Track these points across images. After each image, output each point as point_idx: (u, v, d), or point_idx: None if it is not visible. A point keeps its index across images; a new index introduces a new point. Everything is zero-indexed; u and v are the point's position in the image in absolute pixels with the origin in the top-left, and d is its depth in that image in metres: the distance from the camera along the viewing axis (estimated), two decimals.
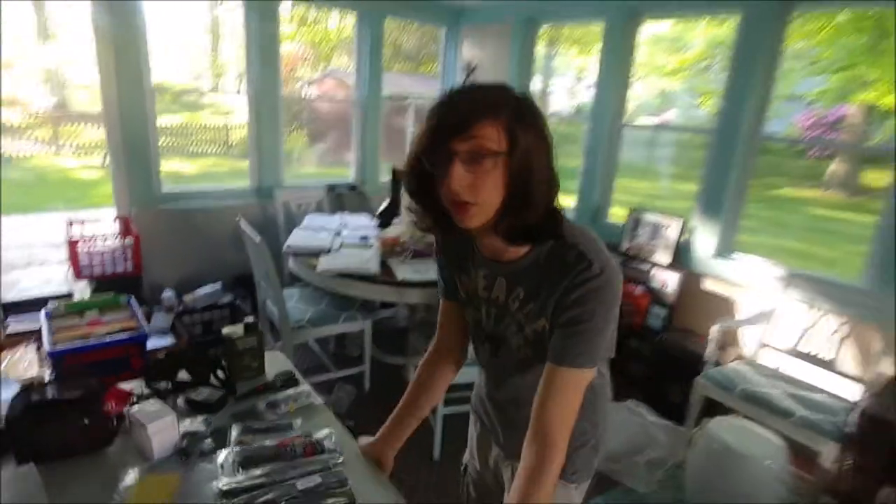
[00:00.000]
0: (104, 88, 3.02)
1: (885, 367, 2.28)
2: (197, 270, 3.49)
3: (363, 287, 2.37)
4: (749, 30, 2.73)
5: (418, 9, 4.16)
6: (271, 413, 1.34)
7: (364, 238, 2.83)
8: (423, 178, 0.87)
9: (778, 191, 9.20)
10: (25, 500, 1.04)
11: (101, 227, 3.12)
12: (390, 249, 2.63)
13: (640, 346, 3.01)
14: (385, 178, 4.21)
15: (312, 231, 2.92)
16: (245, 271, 3.43)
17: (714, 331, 2.53)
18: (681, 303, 3.03)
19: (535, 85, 4.14)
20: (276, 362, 1.58)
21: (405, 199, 2.82)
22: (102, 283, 2.87)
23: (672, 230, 3.09)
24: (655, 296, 3.09)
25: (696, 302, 3.01)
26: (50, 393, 1.22)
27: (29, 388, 1.22)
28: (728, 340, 2.81)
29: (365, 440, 1.24)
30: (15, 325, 2.77)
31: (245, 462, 1.13)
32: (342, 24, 11.29)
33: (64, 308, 2.25)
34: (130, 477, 1.09)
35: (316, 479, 1.09)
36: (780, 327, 2.63)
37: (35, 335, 2.67)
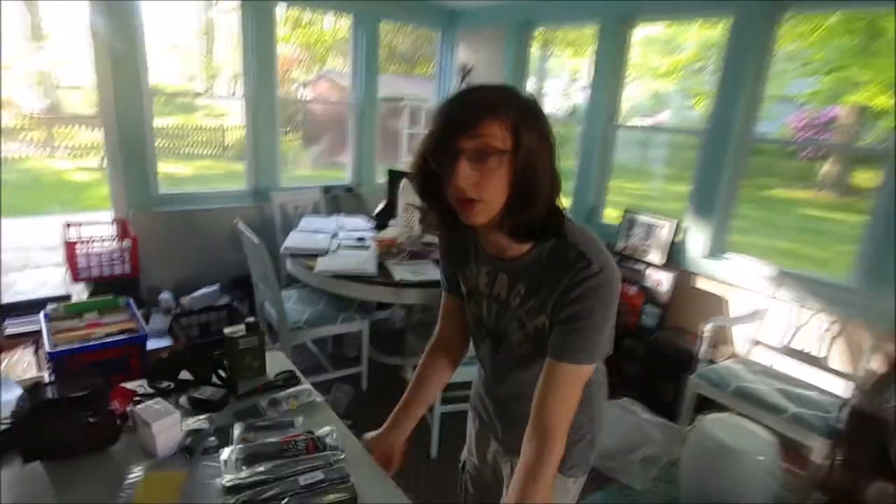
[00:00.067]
0: (101, 90, 3.03)
1: (874, 364, 2.33)
2: (194, 272, 3.50)
3: (361, 288, 2.39)
4: (740, 32, 2.77)
5: (414, 12, 4.19)
6: (273, 411, 1.36)
7: (361, 239, 2.86)
8: (430, 177, 0.89)
9: (770, 191, 9.27)
10: (33, 498, 1.06)
11: (99, 230, 3.13)
12: (387, 250, 2.65)
13: (635, 346, 3.05)
14: (381, 179, 4.24)
15: (309, 233, 2.94)
16: (242, 273, 3.45)
17: (706, 329, 2.56)
18: (674, 302, 3.07)
19: (530, 87, 4.18)
20: (276, 362, 1.61)
21: (401, 200, 2.85)
22: (100, 286, 2.88)
23: (665, 231, 3.13)
24: (649, 295, 3.13)
25: (689, 301, 3.05)
26: (55, 392, 1.24)
27: (35, 387, 1.24)
28: (720, 339, 2.85)
29: (371, 434, 1.26)
30: (12, 327, 2.78)
31: (248, 459, 1.15)
32: (336, 25, 11.31)
33: (63, 310, 2.28)
34: (135, 474, 1.11)
35: (318, 475, 1.11)
36: (771, 326, 2.67)
37: (33, 337, 2.68)
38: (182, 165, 10.13)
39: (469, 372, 2.33)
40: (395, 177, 3.09)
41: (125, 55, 3.03)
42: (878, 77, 7.26)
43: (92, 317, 2.28)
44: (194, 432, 1.24)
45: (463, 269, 1.10)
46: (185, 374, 1.46)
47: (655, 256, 3.14)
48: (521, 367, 1.06)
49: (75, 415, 1.20)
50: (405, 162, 10.09)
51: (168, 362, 1.47)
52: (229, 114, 12.70)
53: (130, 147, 3.16)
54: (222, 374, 1.48)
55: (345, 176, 4.39)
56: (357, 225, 3.19)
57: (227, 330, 1.51)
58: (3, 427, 1.20)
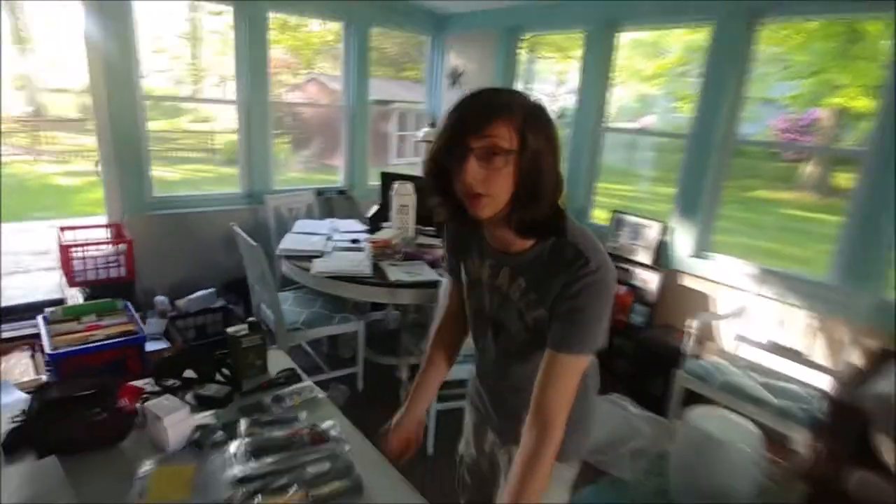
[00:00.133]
0: (95, 95, 3.05)
1: (853, 358, 2.42)
2: (189, 276, 3.52)
3: (356, 289, 2.43)
4: (721, 37, 2.86)
5: (404, 18, 4.24)
6: (277, 407, 1.41)
7: (355, 241, 2.90)
8: (441, 173, 0.95)
9: (754, 192, 9.45)
10: (49, 491, 1.09)
11: (93, 234, 3.15)
12: (381, 252, 2.70)
13: (624, 344, 3.12)
14: (373, 182, 4.28)
15: (304, 235, 2.98)
16: (236, 276, 3.48)
17: (693, 326, 2.64)
18: (661, 301, 3.15)
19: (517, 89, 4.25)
20: (277, 360, 1.65)
21: (395, 203, 2.90)
22: (96, 289, 2.89)
23: (652, 231, 3.21)
24: (638, 294, 3.20)
25: (676, 299, 3.13)
26: (67, 389, 1.27)
27: (45, 386, 1.27)
28: (706, 335, 2.93)
29: (394, 420, 1.31)
30: (7, 331, 2.79)
31: (256, 452, 1.19)
32: (324, 28, 11.33)
33: (62, 312, 2.29)
34: (147, 468, 1.15)
35: (325, 466, 1.16)
36: (754, 322, 2.76)
37: (29, 340, 2.69)
38: (170, 170, 10.09)
39: (464, 370, 2.40)
40: (388, 179, 3.14)
41: (119, 59, 3.05)
42: (856, 80, 7.44)
43: (90, 319, 2.30)
44: (202, 427, 1.27)
45: (467, 262, 1.15)
46: (189, 373, 1.50)
47: (643, 256, 3.22)
48: (520, 358, 1.12)
49: (86, 411, 1.23)
50: (396, 164, 10.13)
51: (173, 361, 1.52)
52: (217, 117, 12.66)
53: (124, 151, 3.18)
54: (226, 372, 1.52)
55: (336, 179, 4.43)
56: (351, 227, 3.23)
57: (230, 329, 1.55)
58: (14, 424, 1.24)
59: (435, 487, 2.30)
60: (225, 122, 12.23)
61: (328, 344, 3.30)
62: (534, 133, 0.90)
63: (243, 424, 1.30)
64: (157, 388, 1.42)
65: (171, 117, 12.61)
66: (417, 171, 4.82)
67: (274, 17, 3.65)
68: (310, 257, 2.62)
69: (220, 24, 11.70)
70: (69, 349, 2.07)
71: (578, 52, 3.62)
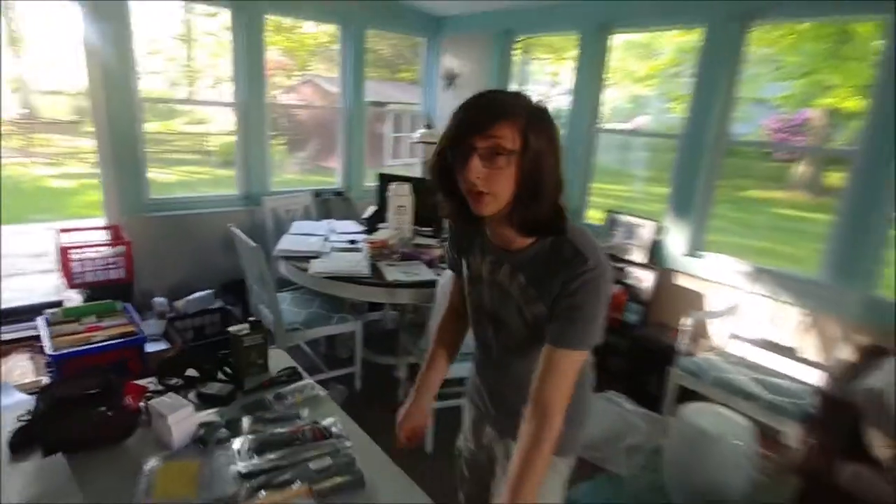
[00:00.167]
0: (93, 98, 3.07)
1: (844, 354, 2.46)
2: (187, 277, 3.54)
3: (355, 289, 2.46)
4: (713, 39, 2.91)
5: (400, 20, 4.27)
6: (279, 404, 1.43)
7: (353, 242, 2.93)
8: (447, 171, 0.99)
9: (746, 192, 9.52)
10: (56, 489, 1.12)
11: (91, 236, 3.16)
12: (379, 252, 2.72)
13: (619, 342, 3.15)
14: (369, 183, 4.31)
15: (302, 236, 3.00)
16: (234, 277, 3.50)
17: (687, 324, 2.68)
18: (655, 299, 3.19)
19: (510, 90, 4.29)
20: (277, 359, 1.68)
21: (392, 204, 2.92)
22: (94, 291, 2.90)
23: (646, 231, 3.25)
24: (632, 293, 3.24)
25: (669, 298, 3.17)
26: (73, 388, 1.29)
27: (52, 384, 1.29)
28: (699, 333, 2.97)
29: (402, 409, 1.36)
30: (5, 333, 2.80)
31: (260, 448, 1.22)
32: (319, 30, 11.33)
33: (62, 314, 2.31)
34: (152, 465, 1.17)
35: (327, 461, 1.19)
36: (746, 319, 2.80)
37: (28, 342, 2.71)
38: (166, 171, 10.08)
39: (463, 368, 2.43)
40: (385, 180, 3.16)
41: (116, 61, 3.07)
42: (847, 81, 7.50)
43: (90, 321, 2.32)
44: (206, 425, 1.30)
45: (469, 258, 1.18)
46: (191, 372, 1.53)
47: (637, 255, 3.26)
48: (519, 354, 1.15)
49: (92, 410, 1.25)
50: (391, 165, 10.15)
51: (176, 360, 1.54)
52: (212, 119, 12.64)
53: (122, 153, 3.20)
54: (228, 370, 1.55)
55: (332, 180, 4.45)
56: (348, 228, 3.25)
57: (232, 328, 1.57)
58: (20, 424, 1.26)
59: (434, 484, 2.32)
60: (220, 123, 12.22)
61: (326, 344, 3.32)
62: (536, 134, 0.93)
63: (246, 422, 1.33)
64: (160, 387, 1.45)
65: (165, 119, 12.58)
66: (413, 172, 4.86)
67: (269, 19, 3.67)
68: (308, 258, 2.65)
69: (215, 26, 11.69)
70: (70, 350, 2.09)
71: (572, 53, 3.66)
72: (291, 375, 1.58)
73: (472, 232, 1.16)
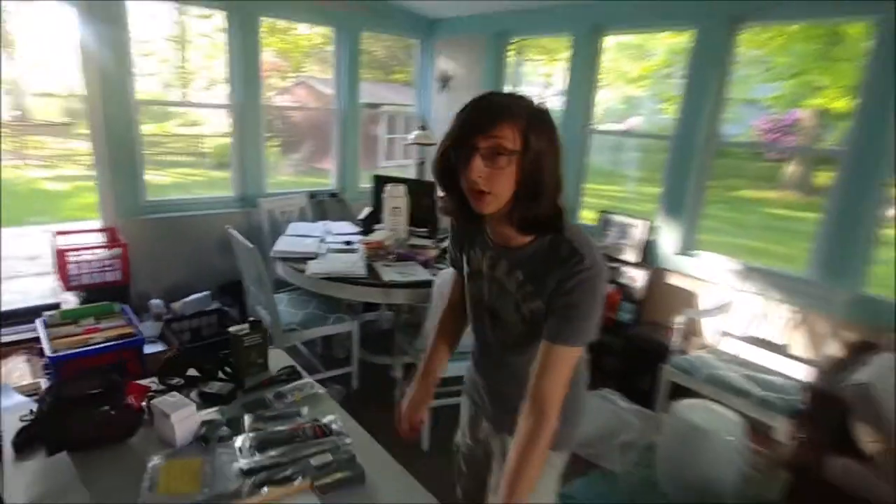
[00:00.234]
0: (90, 101, 3.08)
1: (832, 350, 2.51)
2: (183, 279, 3.55)
3: (351, 289, 2.48)
4: (703, 42, 2.95)
5: (394, 22, 4.30)
6: (279, 402, 1.46)
7: (348, 243, 2.95)
8: (450, 170, 1.02)
9: (738, 192, 9.61)
10: (61, 487, 1.14)
11: (87, 238, 3.17)
12: (375, 253, 2.75)
13: (612, 341, 3.18)
14: (364, 185, 4.33)
15: (298, 237, 3.02)
16: (230, 279, 3.51)
17: (679, 322, 2.72)
18: (648, 298, 3.23)
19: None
20: (276, 359, 1.70)
21: (387, 205, 2.95)
22: (91, 293, 2.91)
23: (639, 230, 3.29)
24: (625, 292, 3.28)
25: (662, 297, 3.21)
26: (77, 388, 1.31)
27: (57, 384, 1.31)
28: (691, 330, 3.02)
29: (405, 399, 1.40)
30: (4, 335, 2.80)
31: (261, 445, 1.25)
32: (312, 31, 11.34)
33: (60, 316, 2.32)
34: (156, 462, 1.19)
35: (328, 457, 1.22)
36: (737, 317, 2.84)
37: (25, 345, 2.71)
38: (160, 173, 10.05)
39: (460, 367, 2.46)
40: (380, 182, 3.19)
41: (113, 63, 3.08)
42: (837, 81, 7.59)
43: (88, 322, 2.33)
44: (208, 423, 1.32)
45: (469, 254, 1.22)
46: (192, 372, 1.55)
47: (630, 255, 3.30)
48: (516, 349, 1.17)
49: (95, 409, 1.28)
50: (385, 167, 10.16)
51: (177, 360, 1.56)
52: (205, 121, 12.61)
53: (119, 155, 3.21)
54: (228, 370, 1.57)
55: (326, 181, 4.47)
56: (343, 229, 3.27)
57: (232, 328, 1.60)
58: (23, 423, 1.28)
59: (430, 482, 2.34)
60: (214, 125, 12.20)
61: (322, 344, 3.34)
62: (536, 135, 0.96)
63: (247, 420, 1.35)
64: (161, 387, 1.47)
65: (158, 121, 12.55)
66: (408, 174, 4.88)
67: (263, 21, 3.68)
68: (305, 259, 2.67)
69: (209, 28, 11.67)
70: (69, 352, 2.10)
71: (565, 55, 3.70)
72: (291, 374, 1.61)
73: (473, 229, 1.18)
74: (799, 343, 2.67)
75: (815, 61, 7.74)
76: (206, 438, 1.28)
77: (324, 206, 4.12)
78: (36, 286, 3.93)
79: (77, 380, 1.36)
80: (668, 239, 3.20)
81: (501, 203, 1.00)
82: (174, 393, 1.35)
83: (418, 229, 3.08)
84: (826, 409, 2.14)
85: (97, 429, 1.26)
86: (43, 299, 3.24)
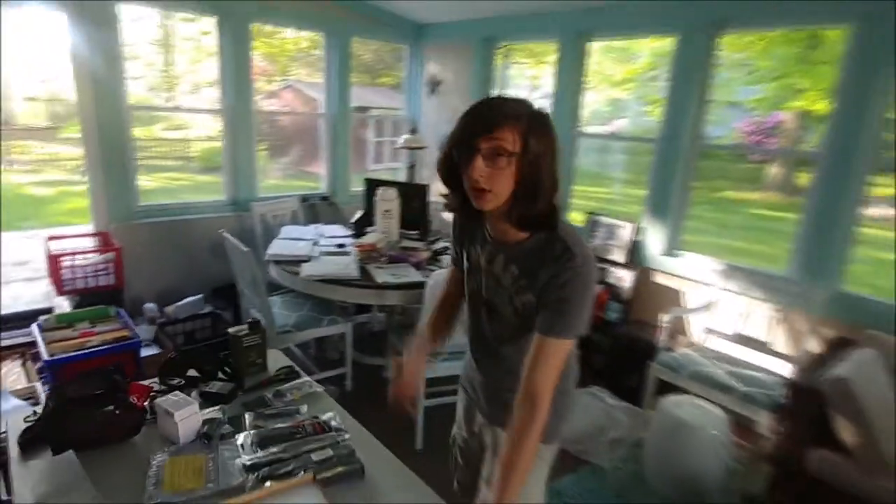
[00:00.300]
0: (82, 106, 3.09)
1: (811, 346, 2.59)
2: (176, 283, 3.56)
3: (345, 291, 2.52)
4: (685, 47, 3.03)
5: (383, 28, 4.34)
6: (279, 401, 1.50)
7: (341, 246, 2.99)
8: (453, 169, 1.08)
9: (722, 193, 9.75)
10: (68, 484, 1.17)
11: (79, 243, 3.17)
12: (367, 255, 2.79)
13: (601, 340, 3.25)
14: (355, 188, 4.37)
15: (291, 240, 3.06)
16: (223, 283, 3.53)
17: (665, 321, 2.79)
18: (635, 297, 3.30)
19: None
20: (274, 359, 1.74)
21: (379, 208, 2.99)
22: (84, 298, 2.92)
23: (626, 231, 3.36)
24: (613, 292, 3.35)
25: (649, 296, 3.29)
26: (81, 388, 1.34)
27: (62, 385, 1.34)
28: (677, 329, 3.09)
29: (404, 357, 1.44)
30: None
31: (263, 442, 1.29)
32: (299, 35, 11.34)
33: (55, 320, 2.34)
34: (160, 459, 1.23)
35: (328, 452, 1.26)
36: (721, 315, 2.92)
37: (18, 349, 2.72)
38: (147, 178, 9.98)
39: (452, 367, 2.51)
40: (372, 185, 3.23)
41: (105, 68, 3.10)
42: (817, 84, 7.73)
43: (84, 326, 2.34)
44: (210, 421, 1.36)
45: (469, 249, 1.27)
46: (191, 373, 1.58)
47: (618, 255, 3.37)
48: (509, 342, 1.23)
49: (100, 409, 1.31)
50: (374, 170, 10.18)
51: (177, 361, 1.59)
52: (192, 125, 12.54)
53: (111, 160, 3.22)
54: (228, 370, 1.61)
55: (316, 185, 4.51)
56: (336, 232, 3.31)
57: (231, 329, 1.63)
58: (27, 424, 1.30)
59: (425, 480, 2.39)
60: (200, 129, 12.14)
61: (315, 346, 3.37)
62: (535, 138, 1.02)
63: (248, 418, 1.39)
64: (163, 388, 1.50)
65: (144, 125, 12.46)
66: (397, 177, 4.93)
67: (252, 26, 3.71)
68: (298, 262, 2.70)
69: (194, 31, 11.61)
70: (66, 355, 2.12)
71: (552, 58, 3.77)
72: (289, 374, 1.65)
73: (474, 226, 1.24)
74: (780, 340, 2.75)
75: (796, 64, 7.89)
76: (209, 436, 1.31)
77: (315, 209, 4.15)
78: (26, 291, 3.93)
79: (80, 381, 1.38)
80: (655, 240, 3.27)
81: (500, 201, 1.06)
82: (177, 392, 1.38)
83: (409, 232, 3.13)
84: (805, 403, 2.20)
85: (102, 428, 1.29)
86: (34, 304, 3.25)
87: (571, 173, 3.81)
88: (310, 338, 2.85)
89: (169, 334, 2.95)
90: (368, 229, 3.15)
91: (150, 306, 3.22)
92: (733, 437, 2.31)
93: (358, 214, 3.32)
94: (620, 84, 9.90)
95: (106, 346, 2.21)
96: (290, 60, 13.07)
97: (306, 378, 1.62)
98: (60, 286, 2.91)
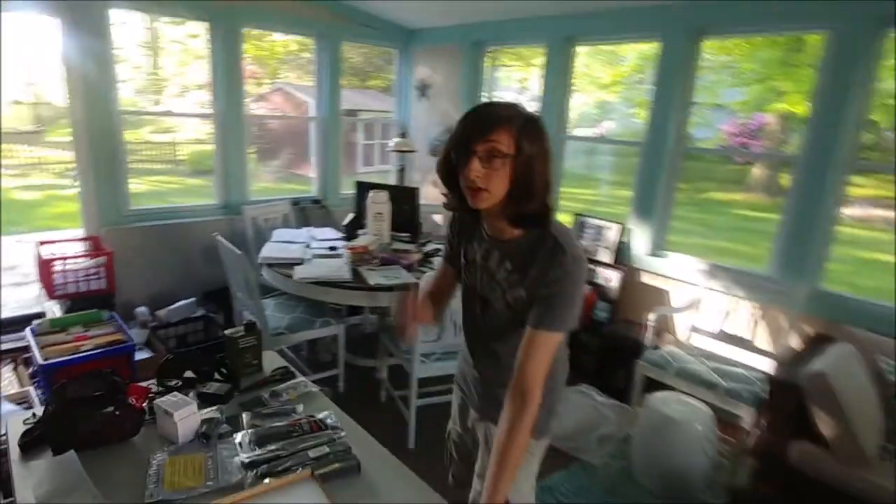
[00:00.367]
0: (73, 110, 3.10)
1: (791, 342, 2.67)
2: (167, 286, 3.57)
3: (338, 293, 2.55)
4: (668, 51, 3.10)
5: (374, 33, 4.37)
6: (275, 401, 1.53)
7: (333, 248, 3.02)
8: (452, 170, 1.14)
9: (708, 194, 9.89)
10: (70, 484, 1.19)
11: (69, 247, 3.18)
12: (359, 258, 2.82)
13: (589, 339, 3.31)
14: (345, 191, 4.40)
15: (283, 243, 3.08)
16: (215, 286, 3.55)
17: (651, 319, 2.86)
18: (622, 297, 3.37)
19: (483, 99, 4.44)
20: (269, 360, 1.77)
21: (370, 211, 3.03)
22: (75, 302, 2.93)
23: (613, 232, 3.43)
24: (601, 292, 3.41)
25: (635, 295, 3.35)
26: (81, 390, 1.37)
27: (63, 386, 1.37)
28: (663, 327, 3.16)
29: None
30: None
31: (261, 440, 1.32)
32: (288, 38, 11.34)
33: (49, 324, 2.35)
34: (159, 458, 1.26)
35: (325, 449, 1.30)
36: (706, 314, 2.99)
37: (9, 354, 2.72)
38: (135, 181, 9.90)
39: (444, 367, 2.55)
40: (363, 188, 3.27)
41: (96, 73, 3.11)
42: (799, 87, 7.87)
43: (77, 330, 2.36)
44: (208, 421, 1.39)
45: (467, 246, 1.32)
46: (187, 374, 1.61)
47: (605, 256, 3.43)
48: (502, 337, 1.27)
49: (99, 410, 1.33)
50: (363, 173, 10.19)
51: (174, 363, 1.62)
52: (180, 128, 12.48)
53: (102, 164, 3.23)
54: (224, 371, 1.64)
55: (307, 188, 4.53)
56: (327, 235, 3.34)
57: (227, 331, 1.67)
58: (28, 426, 1.33)
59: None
60: (189, 132, 12.09)
61: (308, 349, 3.40)
62: (529, 141, 1.08)
63: (245, 417, 1.43)
64: (160, 389, 1.53)
65: (132, 128, 12.39)
66: (387, 180, 4.97)
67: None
68: (291, 264, 2.73)
69: (181, 34, 11.57)
70: (60, 359, 2.13)
71: (539, 61, 3.83)
72: (285, 374, 1.68)
73: (471, 224, 1.29)
74: (762, 337, 2.82)
75: (779, 67, 8.02)
76: (207, 435, 1.34)
77: (306, 212, 4.18)
78: (14, 296, 3.91)
79: (80, 382, 1.41)
80: (641, 240, 3.34)
81: (496, 200, 1.11)
82: (175, 393, 1.41)
83: (400, 234, 3.16)
84: (786, 397, 2.27)
85: (101, 429, 1.31)
86: (24, 309, 3.24)
87: (559, 175, 3.87)
88: (303, 340, 2.88)
89: (161, 338, 2.96)
90: (360, 232, 3.19)
91: (141, 310, 3.23)
92: (718, 431, 2.38)
93: (349, 217, 3.35)
94: (608, 87, 10.00)
95: (100, 350, 2.23)
96: (279, 63, 13.06)
97: (301, 378, 1.66)
98: (52, 291, 2.92)
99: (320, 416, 1.44)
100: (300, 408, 1.49)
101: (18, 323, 2.77)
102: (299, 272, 2.62)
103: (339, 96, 4.29)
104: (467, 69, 4.20)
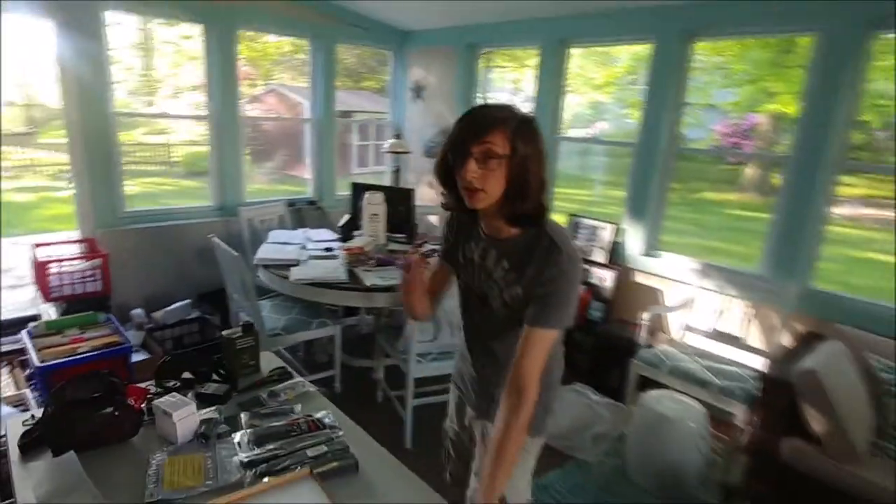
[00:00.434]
0: (67, 112, 3.10)
1: (783, 340, 2.70)
2: (164, 288, 3.57)
3: (335, 294, 2.57)
4: (661, 53, 3.14)
5: (369, 34, 4.38)
6: (273, 401, 1.54)
7: (329, 250, 3.03)
8: (450, 171, 1.16)
9: (701, 194, 9.94)
10: (70, 484, 1.20)
11: (64, 249, 3.18)
12: (355, 259, 2.83)
13: (584, 339, 3.33)
14: (341, 192, 4.42)
15: (279, 245, 3.09)
16: (211, 288, 3.55)
17: (645, 318, 2.88)
18: (616, 297, 3.39)
19: (477, 100, 4.46)
20: (267, 361, 1.78)
21: (365, 212, 3.04)
22: (71, 304, 2.93)
23: (606, 233, 3.46)
24: (595, 292, 3.44)
25: (629, 295, 3.38)
26: (80, 391, 1.38)
27: (62, 388, 1.37)
28: (657, 326, 3.19)
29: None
30: None
31: (259, 440, 1.34)
32: (282, 39, 11.33)
33: (45, 327, 2.35)
34: (159, 459, 1.27)
35: (323, 448, 1.31)
36: (699, 312, 3.03)
37: (6, 357, 2.72)
38: (129, 183, 9.86)
39: (441, 367, 2.57)
40: (358, 189, 3.28)
41: (91, 75, 3.11)
42: (790, 88, 7.92)
43: (73, 333, 2.36)
44: (207, 421, 1.40)
45: (465, 245, 1.34)
46: (185, 375, 1.62)
47: (599, 256, 3.46)
48: (498, 336, 1.30)
49: (98, 411, 1.34)
50: (358, 174, 10.19)
51: (172, 364, 1.63)
52: (174, 129, 12.45)
53: (97, 166, 3.23)
54: (222, 372, 1.65)
55: (302, 189, 4.54)
56: (323, 236, 3.35)
57: (225, 332, 1.68)
58: (27, 427, 1.34)
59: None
60: (182, 134, 12.06)
61: (304, 350, 3.41)
62: (523, 142, 1.10)
63: (244, 417, 1.44)
64: (159, 390, 1.54)
65: (126, 130, 12.34)
66: (382, 181, 4.98)
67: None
68: (287, 266, 2.74)
69: (174, 35, 11.53)
70: (57, 362, 2.14)
71: (532, 62, 3.85)
72: (282, 375, 1.69)
73: (469, 223, 1.32)
74: (754, 335, 2.86)
75: (770, 68, 8.08)
76: (206, 435, 1.35)
77: (302, 213, 4.19)
78: (10, 298, 3.89)
79: (79, 383, 1.41)
80: (634, 240, 3.37)
81: (492, 200, 1.14)
82: (174, 394, 1.42)
83: (396, 235, 3.18)
84: (778, 394, 2.30)
85: (101, 430, 1.32)
86: (20, 312, 3.23)
87: (553, 176, 3.89)
88: (299, 341, 2.89)
89: (157, 339, 2.96)
90: (355, 233, 3.20)
91: (137, 312, 3.23)
92: (711, 429, 2.41)
93: (345, 218, 3.36)
94: (601, 87, 10.04)
95: (96, 352, 2.23)
96: (273, 64, 13.04)
97: (299, 378, 1.67)
98: (47, 293, 2.92)
99: (318, 415, 1.45)
100: (298, 407, 1.51)
101: (14, 325, 2.78)
102: (295, 273, 2.64)
103: (334, 98, 4.30)
104: (462, 71, 4.22)
